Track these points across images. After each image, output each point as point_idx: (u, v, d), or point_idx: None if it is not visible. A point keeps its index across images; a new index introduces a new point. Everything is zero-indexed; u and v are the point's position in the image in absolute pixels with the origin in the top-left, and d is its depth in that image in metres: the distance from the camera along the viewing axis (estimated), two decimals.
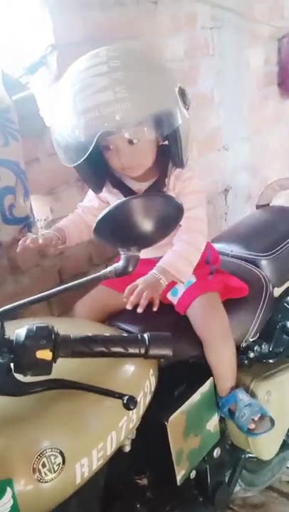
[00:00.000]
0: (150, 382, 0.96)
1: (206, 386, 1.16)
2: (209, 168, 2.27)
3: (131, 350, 0.80)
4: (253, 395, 1.21)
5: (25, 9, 1.42)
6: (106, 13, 1.59)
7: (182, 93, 1.08)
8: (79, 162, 1.04)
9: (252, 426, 1.14)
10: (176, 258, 1.14)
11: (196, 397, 1.13)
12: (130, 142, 1.07)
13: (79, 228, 1.25)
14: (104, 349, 0.78)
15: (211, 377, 1.18)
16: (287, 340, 1.37)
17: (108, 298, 1.23)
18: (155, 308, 1.08)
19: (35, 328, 0.75)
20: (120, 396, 0.79)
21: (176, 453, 1.08)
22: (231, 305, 1.22)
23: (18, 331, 0.75)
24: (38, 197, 1.52)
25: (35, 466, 0.71)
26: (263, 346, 1.30)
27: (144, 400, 0.92)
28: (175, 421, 1.07)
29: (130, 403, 0.78)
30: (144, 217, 0.81)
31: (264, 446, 1.25)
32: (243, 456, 1.33)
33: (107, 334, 0.83)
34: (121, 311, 1.17)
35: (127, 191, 1.17)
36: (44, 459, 0.72)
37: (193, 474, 1.18)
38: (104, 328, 1.12)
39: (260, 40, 2.45)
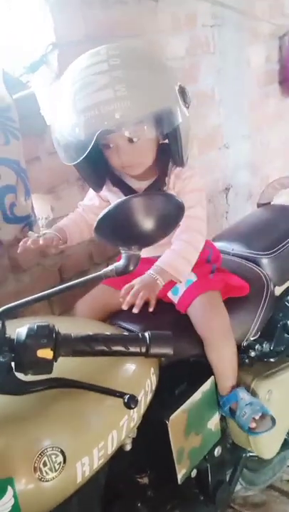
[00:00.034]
0: (151, 381, 0.96)
1: (207, 385, 1.16)
2: (210, 167, 2.27)
3: (132, 349, 0.80)
4: (253, 393, 1.21)
5: (26, 8, 1.42)
6: (107, 11, 1.59)
7: (182, 91, 1.08)
8: (79, 161, 1.04)
9: (253, 425, 1.14)
10: (175, 257, 1.14)
11: (196, 396, 1.13)
12: (130, 141, 1.07)
13: (80, 227, 1.25)
14: (105, 348, 0.79)
15: (212, 376, 1.18)
16: (288, 339, 1.37)
17: (109, 297, 1.23)
18: (151, 309, 1.08)
19: (36, 327, 0.75)
20: (121, 395, 0.79)
21: (177, 452, 1.08)
22: (232, 304, 1.22)
23: (19, 329, 0.75)
24: (38, 196, 1.52)
25: (36, 465, 0.71)
26: (264, 345, 1.30)
27: (144, 398, 0.92)
28: (176, 420, 1.07)
29: (131, 402, 0.78)
30: (145, 216, 0.80)
31: (265, 445, 1.25)
32: (244, 455, 1.34)
33: (108, 333, 0.83)
34: (122, 310, 1.17)
35: (127, 190, 1.17)
36: (45, 458, 0.72)
37: (194, 473, 1.18)
38: (105, 327, 1.12)
39: (260, 38, 2.44)
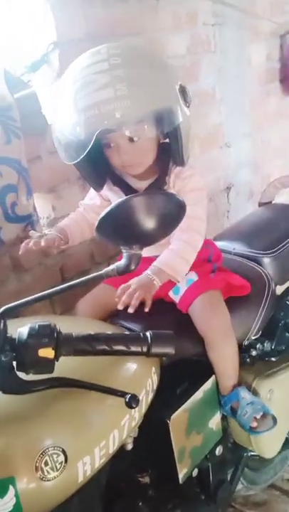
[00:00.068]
0: (152, 381, 0.96)
1: (208, 384, 1.16)
2: (211, 165, 2.27)
3: (133, 349, 0.80)
4: (255, 393, 1.21)
5: (27, 7, 1.42)
6: (108, 9, 1.59)
7: (183, 91, 1.07)
8: (79, 160, 1.04)
9: (254, 424, 1.14)
10: (173, 257, 1.13)
11: (198, 395, 1.13)
12: (131, 140, 1.07)
13: (81, 227, 1.25)
14: (106, 347, 0.79)
15: (213, 376, 1.18)
16: None
17: (110, 296, 1.22)
18: (147, 309, 1.07)
19: (37, 326, 0.75)
20: (122, 394, 0.79)
21: (178, 451, 1.08)
22: (233, 303, 1.22)
23: (20, 329, 0.76)
24: (40, 195, 1.52)
25: (37, 464, 0.72)
26: (265, 344, 1.30)
27: (146, 398, 0.92)
28: (177, 419, 1.07)
29: (132, 401, 0.78)
30: (146, 215, 0.80)
31: (266, 444, 1.25)
32: (245, 454, 1.34)
33: (109, 332, 0.83)
34: (123, 310, 1.17)
35: (127, 189, 1.17)
36: (46, 458, 0.72)
37: (195, 472, 1.18)
38: (106, 326, 1.12)
39: (261, 37, 2.44)
